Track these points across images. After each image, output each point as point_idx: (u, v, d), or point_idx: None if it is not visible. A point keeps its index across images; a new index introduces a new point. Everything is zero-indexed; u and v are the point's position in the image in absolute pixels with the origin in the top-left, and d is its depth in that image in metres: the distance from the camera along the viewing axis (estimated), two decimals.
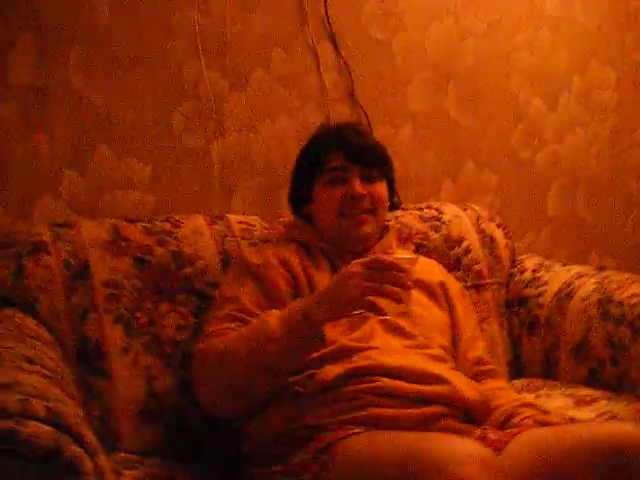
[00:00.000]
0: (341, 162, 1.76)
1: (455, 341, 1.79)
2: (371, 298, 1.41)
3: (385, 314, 1.44)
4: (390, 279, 1.39)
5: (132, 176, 2.12)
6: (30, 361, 1.33)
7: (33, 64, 2.00)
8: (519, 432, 1.48)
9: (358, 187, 1.74)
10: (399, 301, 1.40)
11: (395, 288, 1.39)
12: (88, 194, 2.07)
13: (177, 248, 1.85)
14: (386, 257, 1.43)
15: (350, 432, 1.41)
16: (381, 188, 1.80)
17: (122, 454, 1.64)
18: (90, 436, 1.10)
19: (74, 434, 1.07)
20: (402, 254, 1.60)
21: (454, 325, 1.81)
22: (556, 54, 2.82)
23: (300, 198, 1.86)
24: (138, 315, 1.77)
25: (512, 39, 2.73)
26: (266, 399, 1.55)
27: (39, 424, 1.05)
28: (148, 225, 1.88)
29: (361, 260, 1.44)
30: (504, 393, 1.74)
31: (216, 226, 1.93)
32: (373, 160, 1.79)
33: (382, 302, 1.41)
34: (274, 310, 1.55)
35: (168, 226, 1.89)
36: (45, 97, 2.02)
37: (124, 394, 1.71)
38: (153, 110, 2.14)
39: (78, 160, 2.06)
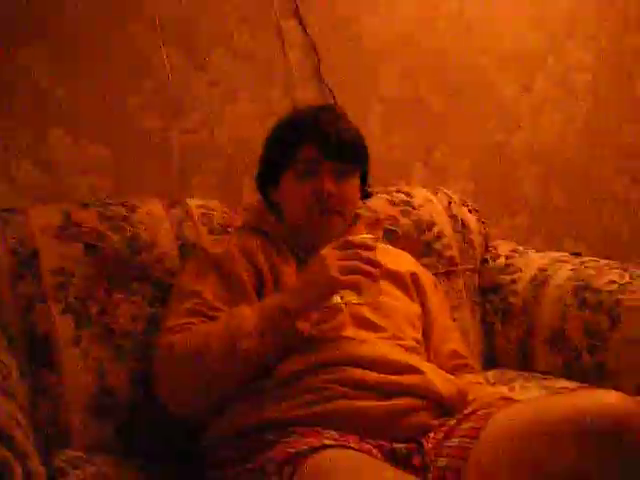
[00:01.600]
0: (314, 155, 1.64)
1: (427, 333, 1.72)
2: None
3: (361, 293, 1.47)
4: (362, 257, 1.44)
5: (88, 160, 2.02)
6: None
7: None
8: (493, 413, 1.40)
9: (329, 185, 1.63)
10: (375, 279, 1.45)
11: (368, 266, 1.43)
12: (42, 179, 1.96)
13: (132, 234, 1.75)
14: (354, 237, 1.50)
15: (320, 443, 1.31)
16: (353, 186, 1.70)
17: (71, 452, 1.54)
18: (21, 438, 1.01)
19: (3, 436, 0.98)
20: (364, 235, 1.57)
21: (426, 316, 1.73)
22: (530, 34, 2.74)
23: (267, 183, 1.76)
24: (89, 304, 1.67)
25: (483, 19, 2.63)
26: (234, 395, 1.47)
27: None
28: (102, 210, 1.78)
29: (331, 244, 1.48)
30: (481, 387, 1.67)
31: (174, 210, 1.84)
32: (349, 156, 1.67)
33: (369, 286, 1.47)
34: (244, 305, 1.48)
35: (123, 210, 1.79)
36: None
37: (74, 388, 1.62)
38: (109, 90, 2.04)
39: (31, 144, 1.95)
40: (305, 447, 1.30)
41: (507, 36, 2.69)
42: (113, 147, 2.05)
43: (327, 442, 1.31)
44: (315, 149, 1.64)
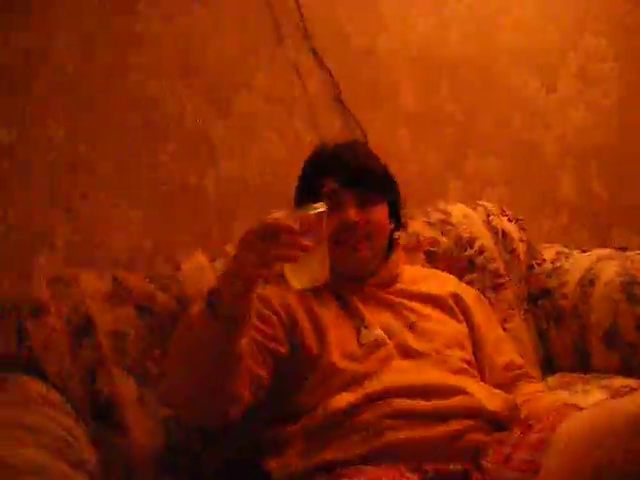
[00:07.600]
0: (334, 187, 1.67)
1: (479, 349, 1.73)
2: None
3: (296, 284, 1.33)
4: (279, 243, 1.25)
5: (126, 222, 2.08)
6: (30, 430, 1.29)
7: (9, 123, 1.96)
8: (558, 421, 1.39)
9: (352, 214, 1.65)
10: (295, 260, 1.28)
11: (287, 251, 1.26)
12: (83, 245, 2.02)
13: (179, 292, 1.79)
14: (270, 219, 1.28)
15: None
16: (378, 213, 1.71)
17: None
18: None
19: None
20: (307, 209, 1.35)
21: (475, 333, 1.74)
22: (545, 30, 2.72)
23: None
24: (148, 365, 1.71)
25: (495, 20, 2.62)
26: (231, 397, 1.43)
27: None
28: (147, 271, 1.84)
29: (252, 227, 1.30)
30: (543, 396, 1.68)
31: (217, 263, 1.87)
32: (370, 184, 1.69)
33: (298, 271, 1.32)
34: None
35: (169, 269, 1.84)
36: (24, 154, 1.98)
37: (143, 448, 1.66)
38: (138, 151, 2.09)
39: (69, 213, 2.01)
40: None
41: (521, 35, 2.66)
42: (147, 207, 2.10)
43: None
44: (335, 180, 1.67)
